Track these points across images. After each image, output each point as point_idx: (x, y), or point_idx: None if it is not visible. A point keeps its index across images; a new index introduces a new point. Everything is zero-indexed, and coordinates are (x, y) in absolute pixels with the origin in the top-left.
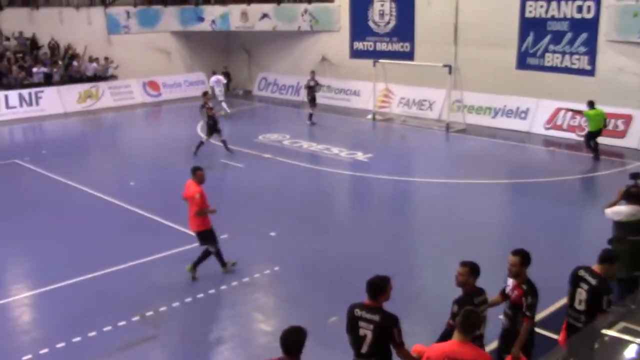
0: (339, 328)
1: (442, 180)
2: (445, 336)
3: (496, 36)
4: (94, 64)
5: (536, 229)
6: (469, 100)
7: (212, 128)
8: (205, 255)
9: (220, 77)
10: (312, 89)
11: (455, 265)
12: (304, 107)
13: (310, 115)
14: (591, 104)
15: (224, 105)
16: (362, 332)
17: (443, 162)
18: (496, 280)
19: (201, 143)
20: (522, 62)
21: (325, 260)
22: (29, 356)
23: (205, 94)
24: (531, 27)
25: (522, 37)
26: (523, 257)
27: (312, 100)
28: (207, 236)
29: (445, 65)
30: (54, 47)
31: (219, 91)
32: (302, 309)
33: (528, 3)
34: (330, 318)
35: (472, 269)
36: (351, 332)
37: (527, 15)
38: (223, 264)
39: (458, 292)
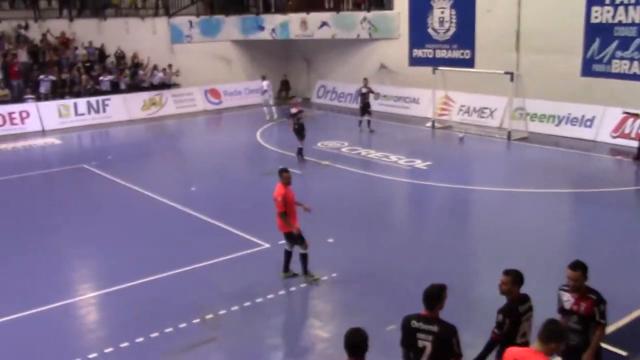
0: (397, 336)
1: (503, 189)
2: (489, 347)
3: (560, 42)
4: (160, 73)
5: (600, 241)
6: (531, 108)
7: (299, 133)
8: (303, 258)
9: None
10: (364, 96)
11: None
12: (371, 116)
13: (360, 122)
14: None
15: (273, 109)
16: (421, 343)
17: (504, 171)
18: (555, 292)
19: (300, 149)
20: (588, 69)
21: (383, 267)
22: (95, 354)
23: (291, 98)
24: (597, 32)
25: (588, 43)
26: (584, 271)
27: (365, 107)
28: (293, 237)
29: (506, 73)
30: (120, 56)
31: (269, 96)
32: (360, 317)
33: (594, 8)
34: (389, 326)
35: (515, 278)
36: (409, 344)
37: (593, 20)
38: (286, 268)
39: None
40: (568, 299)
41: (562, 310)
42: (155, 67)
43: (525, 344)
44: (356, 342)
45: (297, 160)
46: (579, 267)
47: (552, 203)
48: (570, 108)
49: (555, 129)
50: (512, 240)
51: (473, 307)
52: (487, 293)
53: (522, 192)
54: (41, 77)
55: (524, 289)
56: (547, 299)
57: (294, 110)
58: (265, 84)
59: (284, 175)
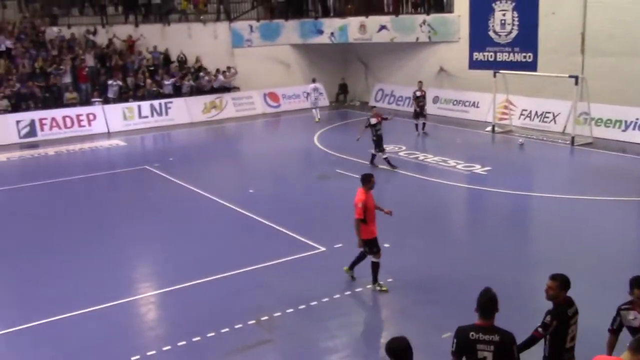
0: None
1: (565, 196)
2: (529, 343)
3: (628, 45)
4: (221, 76)
5: None
6: (596, 113)
7: (377, 144)
8: (374, 266)
9: (319, 86)
10: (419, 99)
11: (579, 286)
12: (426, 119)
13: (417, 126)
14: None
15: (316, 112)
16: (481, 354)
17: (567, 177)
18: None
19: (373, 156)
20: None
21: (440, 273)
22: (153, 352)
23: (373, 108)
24: None
25: None
26: None
27: (420, 110)
28: (369, 245)
29: (571, 76)
30: (182, 60)
31: (315, 98)
32: (415, 322)
33: None
34: (444, 334)
35: (561, 283)
36: (467, 356)
37: None
38: (352, 266)
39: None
40: (635, 316)
41: (616, 330)
42: (217, 71)
43: (573, 348)
44: (396, 351)
45: (370, 165)
46: None
47: (617, 211)
48: (639, 113)
49: (622, 134)
50: (574, 249)
51: (533, 317)
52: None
53: (585, 199)
54: (110, 82)
55: (589, 299)
56: (610, 309)
57: (373, 120)
58: (310, 87)
59: (372, 181)
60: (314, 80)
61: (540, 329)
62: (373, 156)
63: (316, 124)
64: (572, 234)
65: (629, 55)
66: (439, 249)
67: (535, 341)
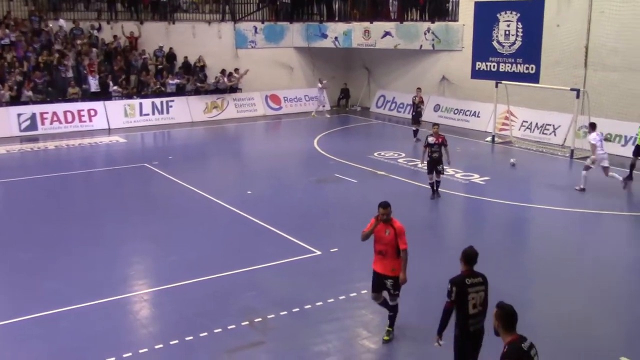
0: (443, 352)
1: (562, 209)
2: (444, 314)
3: (631, 60)
4: (225, 79)
5: None
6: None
7: (430, 166)
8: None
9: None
10: (417, 106)
11: (575, 299)
12: (420, 126)
13: (415, 132)
14: None
15: (319, 107)
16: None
17: (565, 190)
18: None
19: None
20: None
21: (434, 282)
22: (146, 349)
23: (436, 125)
24: None
25: None
26: None
27: (417, 117)
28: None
29: (572, 89)
30: (185, 59)
31: (322, 98)
32: (408, 330)
33: None
34: (435, 342)
35: (462, 253)
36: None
37: None
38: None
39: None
40: None
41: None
42: (223, 72)
43: (478, 314)
44: None
45: (431, 194)
46: None
47: (615, 225)
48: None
49: (622, 149)
50: (570, 261)
51: (526, 330)
52: (540, 317)
53: (582, 212)
54: (90, 77)
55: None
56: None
57: (431, 139)
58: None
59: (380, 210)
60: (320, 81)
61: (447, 298)
62: (432, 186)
63: (318, 128)
64: (567, 246)
65: (632, 71)
66: (434, 257)
67: (448, 310)
